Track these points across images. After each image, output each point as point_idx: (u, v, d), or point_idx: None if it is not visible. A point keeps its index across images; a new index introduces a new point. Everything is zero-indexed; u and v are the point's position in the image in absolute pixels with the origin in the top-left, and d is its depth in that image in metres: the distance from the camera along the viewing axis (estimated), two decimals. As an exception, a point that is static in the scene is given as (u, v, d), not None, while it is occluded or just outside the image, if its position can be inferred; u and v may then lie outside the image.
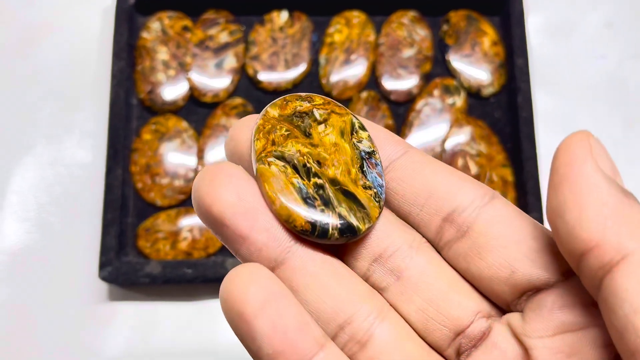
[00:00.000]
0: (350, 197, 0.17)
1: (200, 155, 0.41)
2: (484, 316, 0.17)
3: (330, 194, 0.17)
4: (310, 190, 0.17)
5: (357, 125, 0.18)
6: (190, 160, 0.41)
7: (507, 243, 0.16)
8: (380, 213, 0.17)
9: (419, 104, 0.42)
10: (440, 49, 0.44)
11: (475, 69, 0.43)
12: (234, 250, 0.16)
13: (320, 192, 0.17)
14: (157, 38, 0.43)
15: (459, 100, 0.43)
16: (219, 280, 0.38)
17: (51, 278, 0.40)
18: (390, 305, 0.17)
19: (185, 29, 0.43)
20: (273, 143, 0.17)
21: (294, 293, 0.16)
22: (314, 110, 0.18)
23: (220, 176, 0.16)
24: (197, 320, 0.40)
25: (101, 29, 0.45)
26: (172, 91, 0.42)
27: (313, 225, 0.16)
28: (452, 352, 0.17)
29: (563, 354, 0.16)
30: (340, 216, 0.17)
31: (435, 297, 0.17)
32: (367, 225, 0.17)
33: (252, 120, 0.18)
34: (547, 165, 0.42)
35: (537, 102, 0.44)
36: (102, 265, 0.38)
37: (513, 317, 0.17)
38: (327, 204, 0.17)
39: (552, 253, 0.16)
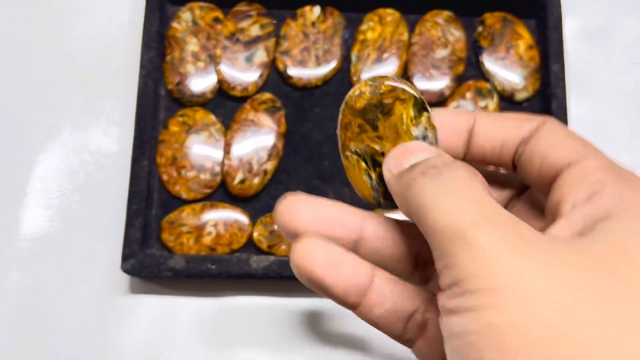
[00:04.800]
0: None
1: (227, 150, 0.40)
2: None
3: None
4: (375, 181, 0.24)
5: (416, 109, 0.23)
6: (217, 154, 0.40)
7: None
8: None
9: (451, 106, 0.42)
10: (474, 50, 0.43)
11: (509, 72, 0.42)
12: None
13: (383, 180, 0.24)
14: (187, 29, 0.42)
15: (492, 104, 0.42)
16: (242, 277, 0.38)
17: (72, 267, 0.40)
18: None
19: (216, 20, 0.43)
20: (350, 139, 0.24)
21: None
22: (382, 100, 0.23)
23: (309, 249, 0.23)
24: (218, 315, 0.39)
25: (131, 17, 0.44)
26: (201, 83, 0.41)
27: (377, 204, 0.25)
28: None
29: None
30: None
31: None
32: None
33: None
34: (579, 174, 0.41)
35: (571, 109, 0.43)
36: (125, 258, 0.37)
37: None
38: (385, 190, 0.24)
39: None
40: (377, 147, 0.24)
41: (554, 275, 0.17)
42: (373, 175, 0.24)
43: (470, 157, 0.24)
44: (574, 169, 0.21)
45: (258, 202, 0.40)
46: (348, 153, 0.24)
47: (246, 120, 0.41)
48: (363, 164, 0.24)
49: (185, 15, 0.42)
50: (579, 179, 0.20)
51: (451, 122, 0.24)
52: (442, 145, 0.24)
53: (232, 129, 0.41)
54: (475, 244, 0.18)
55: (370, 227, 0.23)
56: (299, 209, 0.23)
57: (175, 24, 0.42)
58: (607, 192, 0.19)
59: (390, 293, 0.23)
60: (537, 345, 0.16)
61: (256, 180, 0.40)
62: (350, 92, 0.23)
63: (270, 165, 0.40)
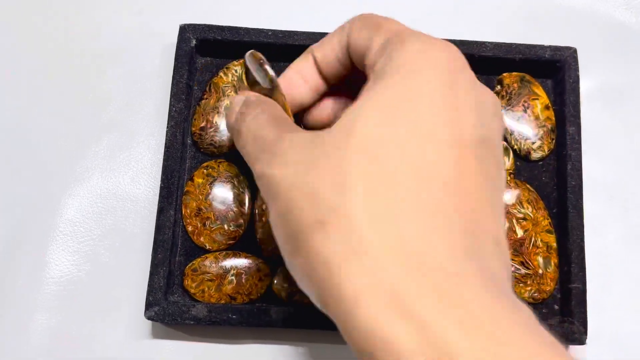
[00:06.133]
0: None
1: (249, 205, 0.41)
2: None
3: None
4: None
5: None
6: (241, 206, 0.41)
7: None
8: None
9: (468, 163, 0.43)
10: (492, 109, 0.44)
11: (526, 131, 0.44)
12: None
13: None
14: (231, 82, 0.43)
15: (508, 162, 0.43)
16: (262, 326, 0.39)
17: (97, 311, 0.41)
18: None
19: (243, 73, 0.44)
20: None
21: None
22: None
23: None
24: (237, 363, 0.40)
25: (160, 66, 0.46)
26: (222, 135, 0.43)
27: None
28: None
29: None
30: None
31: None
32: None
33: None
34: (592, 234, 0.42)
35: (585, 169, 0.44)
36: (149, 305, 0.39)
37: None
38: None
39: None
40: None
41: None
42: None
43: (332, 84, 0.34)
44: (369, 52, 0.28)
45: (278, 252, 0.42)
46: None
47: (269, 172, 0.42)
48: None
49: (237, 69, 0.44)
50: (370, 60, 0.28)
51: (297, 68, 0.33)
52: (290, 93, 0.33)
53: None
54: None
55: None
56: None
57: (222, 74, 0.44)
58: (381, 62, 0.27)
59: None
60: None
61: None
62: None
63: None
